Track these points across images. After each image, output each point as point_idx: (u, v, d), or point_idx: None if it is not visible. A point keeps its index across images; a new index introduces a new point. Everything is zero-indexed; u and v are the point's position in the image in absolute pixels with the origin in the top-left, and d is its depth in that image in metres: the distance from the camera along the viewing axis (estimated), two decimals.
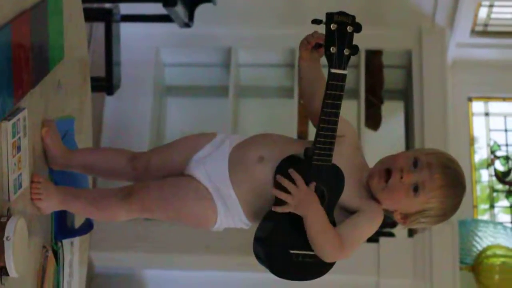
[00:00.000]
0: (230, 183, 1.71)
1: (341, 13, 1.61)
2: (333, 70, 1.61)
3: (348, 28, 1.61)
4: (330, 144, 1.64)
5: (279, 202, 1.65)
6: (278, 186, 1.65)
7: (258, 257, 1.69)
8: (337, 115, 1.63)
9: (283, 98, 4.72)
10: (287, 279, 1.69)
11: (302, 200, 1.63)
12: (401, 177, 1.67)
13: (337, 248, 1.65)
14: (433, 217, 1.72)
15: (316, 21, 1.62)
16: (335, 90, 1.62)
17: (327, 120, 1.63)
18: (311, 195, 1.64)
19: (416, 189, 1.67)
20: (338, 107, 1.63)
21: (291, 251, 1.66)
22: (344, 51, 1.61)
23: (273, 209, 1.64)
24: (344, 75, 1.61)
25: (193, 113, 4.79)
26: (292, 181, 1.65)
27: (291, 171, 1.65)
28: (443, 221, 1.74)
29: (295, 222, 1.65)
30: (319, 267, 1.68)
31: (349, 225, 1.68)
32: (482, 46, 4.65)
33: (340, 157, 1.67)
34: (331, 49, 1.61)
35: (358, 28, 1.61)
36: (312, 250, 1.66)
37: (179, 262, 4.02)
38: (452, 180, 1.70)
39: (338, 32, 1.60)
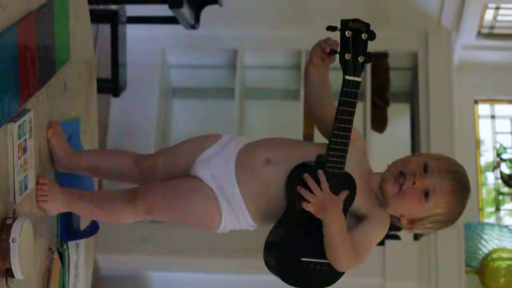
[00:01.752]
0: (235, 182, 1.70)
1: (356, 20, 1.60)
2: (348, 77, 1.61)
3: (362, 36, 1.60)
4: (343, 151, 1.64)
5: (303, 200, 1.63)
6: (304, 185, 1.64)
7: (268, 265, 1.68)
8: (351, 122, 1.63)
9: (288, 100, 4.71)
10: (297, 287, 1.68)
11: (326, 204, 1.62)
12: (413, 183, 1.67)
13: (353, 257, 1.64)
14: (439, 222, 1.72)
15: (331, 28, 1.61)
16: (350, 97, 1.61)
17: (341, 127, 1.62)
18: (336, 200, 1.63)
19: (427, 194, 1.67)
20: (352, 114, 1.62)
21: (303, 259, 1.65)
22: (359, 58, 1.60)
23: (303, 206, 1.62)
24: (359, 82, 1.61)
25: (198, 114, 4.78)
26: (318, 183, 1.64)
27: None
28: (448, 226, 1.74)
29: (307, 230, 1.65)
30: (330, 276, 1.67)
31: (360, 233, 1.67)
32: (488, 48, 4.64)
33: (350, 163, 1.66)
34: (345, 56, 1.60)
35: (372, 35, 1.61)
36: (323, 258, 1.65)
37: (184, 264, 4.01)
38: (461, 186, 1.70)
39: (353, 39, 1.60)
